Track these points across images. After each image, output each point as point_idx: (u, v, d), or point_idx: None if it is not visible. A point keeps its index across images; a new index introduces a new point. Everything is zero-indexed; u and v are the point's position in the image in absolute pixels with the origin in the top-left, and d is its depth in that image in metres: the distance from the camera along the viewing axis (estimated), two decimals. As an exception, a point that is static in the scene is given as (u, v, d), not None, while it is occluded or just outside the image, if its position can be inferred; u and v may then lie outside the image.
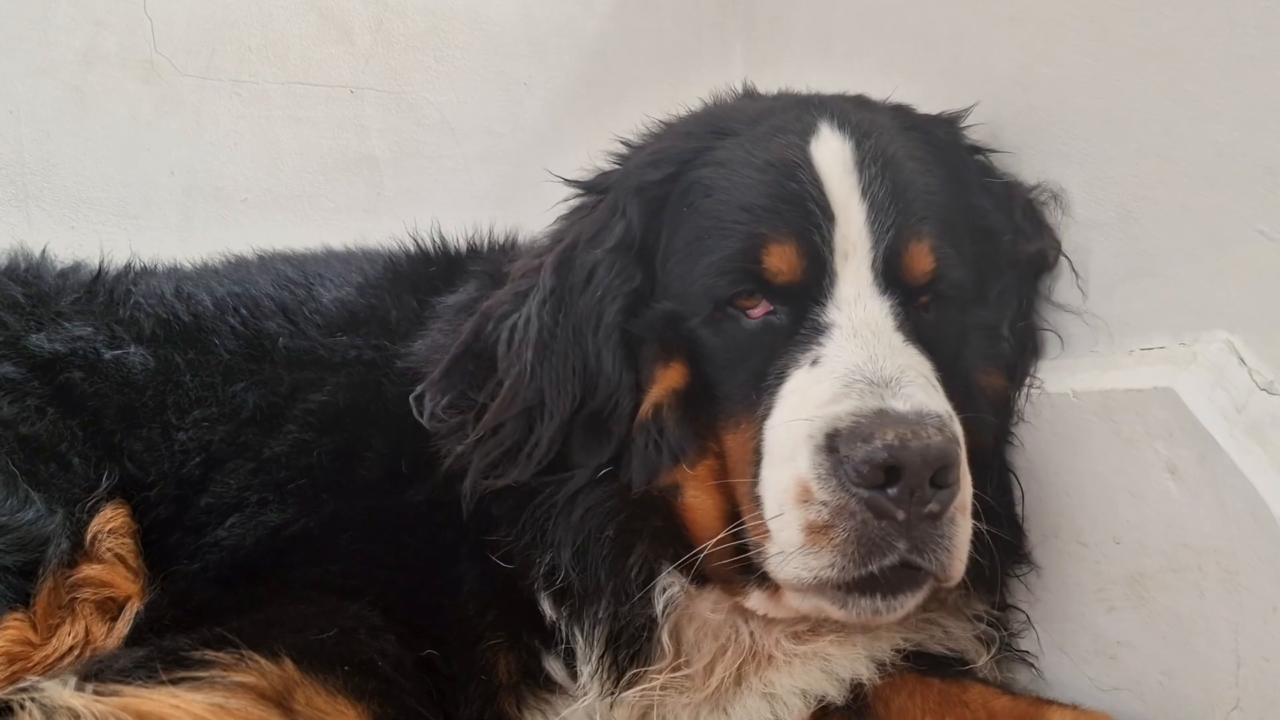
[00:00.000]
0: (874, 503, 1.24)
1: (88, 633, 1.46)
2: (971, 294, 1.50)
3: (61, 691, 1.22)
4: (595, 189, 1.67)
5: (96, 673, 1.27)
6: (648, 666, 1.45)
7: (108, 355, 1.72)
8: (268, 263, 2.07)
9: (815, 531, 1.28)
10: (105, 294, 1.87)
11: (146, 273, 2.04)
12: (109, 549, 1.52)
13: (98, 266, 1.98)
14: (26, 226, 2.54)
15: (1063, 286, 1.52)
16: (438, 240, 2.05)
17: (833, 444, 1.27)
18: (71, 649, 1.44)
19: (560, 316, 1.53)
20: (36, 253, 2.00)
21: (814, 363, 1.36)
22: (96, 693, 1.22)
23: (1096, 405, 1.38)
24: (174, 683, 1.24)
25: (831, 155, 1.46)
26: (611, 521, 1.45)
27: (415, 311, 1.83)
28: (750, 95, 1.75)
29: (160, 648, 1.32)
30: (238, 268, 2.09)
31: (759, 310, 1.43)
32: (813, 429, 1.29)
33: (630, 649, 1.46)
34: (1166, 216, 1.34)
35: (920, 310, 1.45)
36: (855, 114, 1.55)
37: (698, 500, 1.44)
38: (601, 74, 2.84)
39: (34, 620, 1.41)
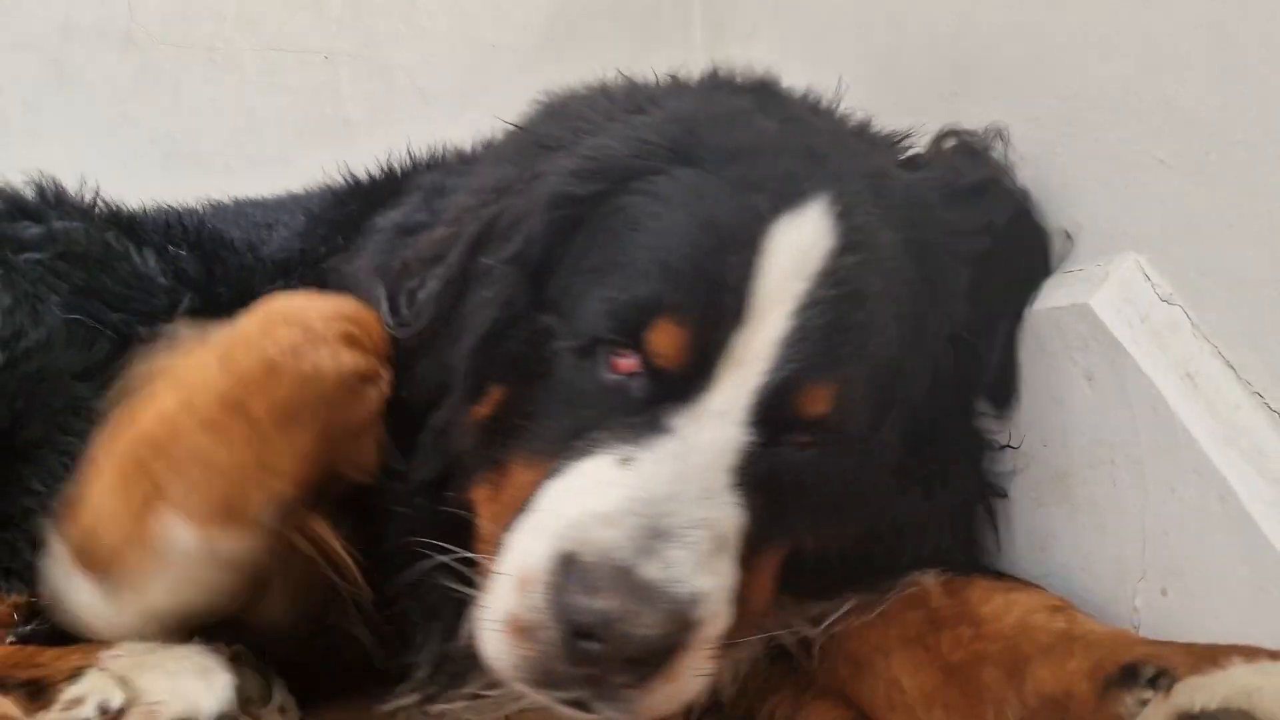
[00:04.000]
0: (568, 647, 1.12)
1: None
2: (880, 446, 1.34)
3: None
4: (526, 152, 1.51)
5: None
6: (463, 685, 1.42)
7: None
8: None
9: (515, 627, 1.17)
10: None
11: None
12: None
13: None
14: (9, 189, 2.64)
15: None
16: (383, 166, 2.04)
17: (568, 564, 1.14)
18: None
19: (448, 310, 1.42)
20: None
21: (624, 461, 1.20)
22: None
23: (1023, 323, 1.52)
24: None
25: (792, 251, 1.24)
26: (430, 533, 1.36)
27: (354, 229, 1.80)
28: (752, 103, 1.46)
29: None
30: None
31: (625, 366, 1.25)
32: (564, 535, 1.17)
33: (453, 666, 1.41)
34: (1083, 151, 1.47)
35: (795, 448, 1.26)
36: (863, 205, 1.30)
37: (486, 529, 1.34)
38: (567, 36, 2.94)
39: None
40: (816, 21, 2.18)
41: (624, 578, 1.11)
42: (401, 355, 1.42)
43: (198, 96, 2.74)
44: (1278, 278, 1.18)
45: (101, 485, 1.27)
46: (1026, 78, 1.59)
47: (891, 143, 1.58)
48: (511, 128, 1.64)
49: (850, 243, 1.26)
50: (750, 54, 1.89)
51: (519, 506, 1.26)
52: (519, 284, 1.35)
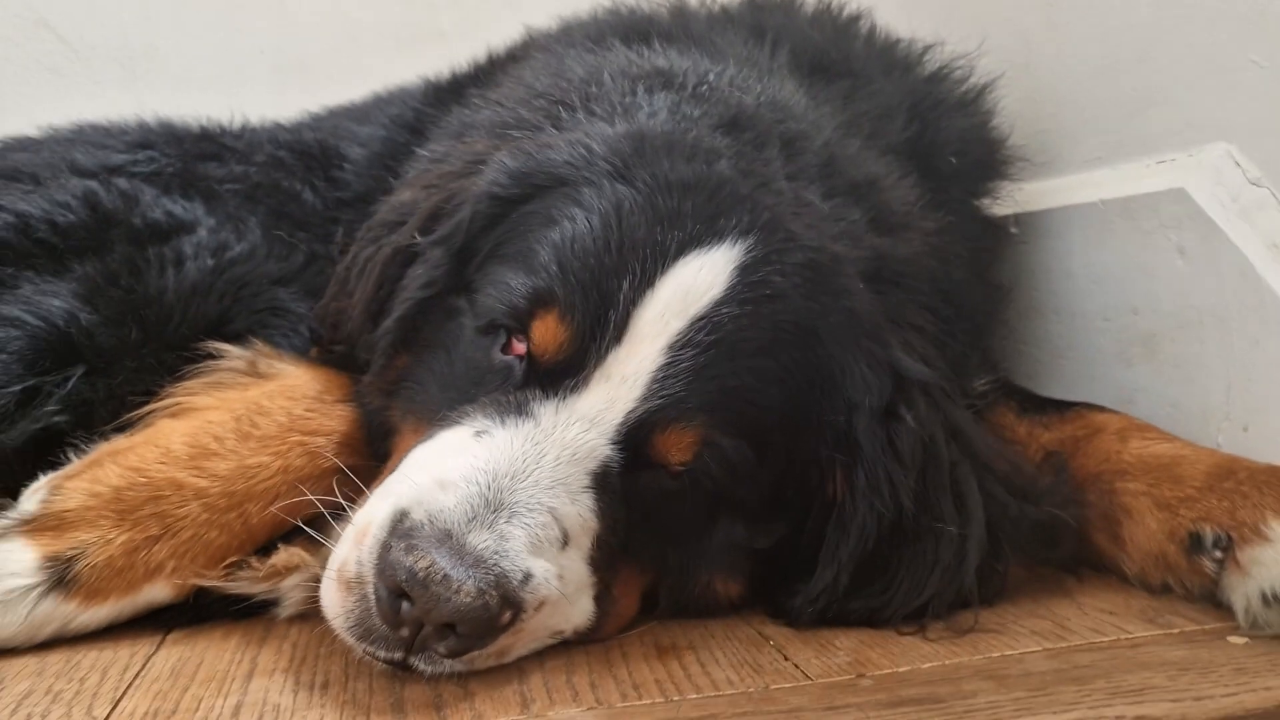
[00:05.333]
0: (382, 604, 1.12)
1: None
2: (747, 499, 1.32)
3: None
4: (497, 131, 1.58)
5: None
6: None
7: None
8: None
9: (344, 578, 1.17)
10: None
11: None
12: None
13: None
14: (135, 105, 2.80)
15: (1086, 114, 1.88)
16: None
17: (399, 522, 1.14)
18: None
19: (392, 279, 1.48)
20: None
21: (479, 433, 1.22)
22: None
23: (1119, 209, 1.75)
24: None
25: (680, 290, 1.24)
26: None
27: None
28: (714, 129, 1.46)
29: None
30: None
31: (515, 350, 1.29)
32: (403, 492, 1.18)
33: None
34: (1176, 53, 1.69)
35: (658, 478, 1.26)
36: (770, 265, 1.28)
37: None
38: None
39: None
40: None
41: (447, 541, 1.10)
42: (345, 317, 1.53)
43: (302, 9, 2.89)
44: (1356, 161, 1.41)
45: (99, 499, 1.33)
46: (1121, -12, 1.80)
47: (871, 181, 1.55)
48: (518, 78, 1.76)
49: (739, 296, 1.25)
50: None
51: (389, 463, 1.32)
52: (443, 264, 1.40)
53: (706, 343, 1.23)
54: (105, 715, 1.11)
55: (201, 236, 1.72)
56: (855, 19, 1.94)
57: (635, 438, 1.22)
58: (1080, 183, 1.88)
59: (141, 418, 1.46)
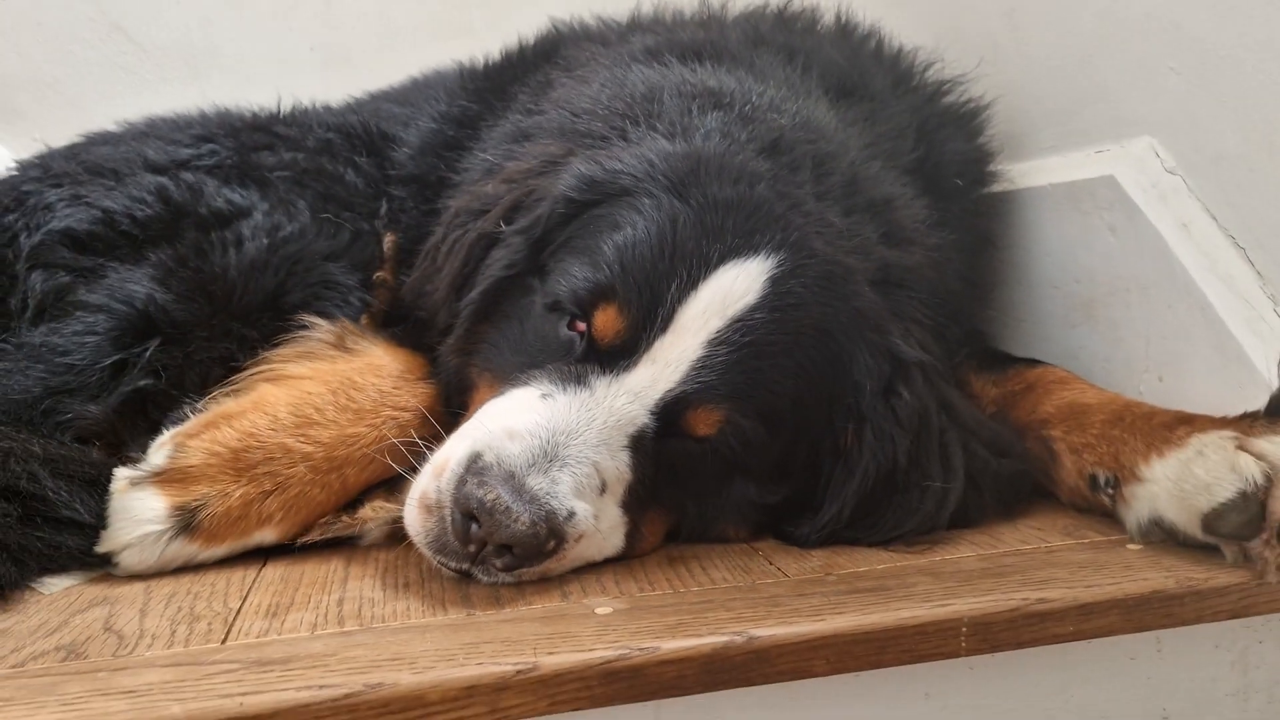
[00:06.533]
0: (455, 525, 1.36)
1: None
2: (758, 467, 1.55)
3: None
4: (571, 138, 1.78)
5: None
6: None
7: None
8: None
9: (425, 503, 1.42)
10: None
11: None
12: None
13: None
14: (200, 99, 3.08)
15: (1043, 107, 2.15)
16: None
17: (474, 462, 1.37)
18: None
19: (475, 259, 1.70)
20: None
21: (544, 396, 1.45)
22: None
23: (1065, 192, 2.04)
24: None
25: (720, 293, 1.46)
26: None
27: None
28: (757, 155, 1.64)
29: None
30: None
31: (576, 328, 1.51)
32: (478, 437, 1.41)
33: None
34: (1113, 57, 1.96)
35: (682, 446, 1.50)
36: (797, 279, 1.50)
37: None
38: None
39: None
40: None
41: (510, 480, 1.34)
42: (429, 288, 1.75)
43: (347, 9, 3.16)
44: (1248, 155, 1.69)
45: (219, 458, 1.54)
46: (1069, 4, 2.07)
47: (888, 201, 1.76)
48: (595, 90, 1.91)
49: (769, 304, 1.47)
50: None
51: (467, 411, 1.55)
52: (522, 251, 1.62)
53: (741, 342, 1.45)
54: (238, 606, 1.40)
55: (257, 220, 1.92)
56: (866, 37, 2.17)
57: (670, 412, 1.46)
58: (1037, 168, 2.16)
59: (238, 380, 1.68)
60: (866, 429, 1.54)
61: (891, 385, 1.55)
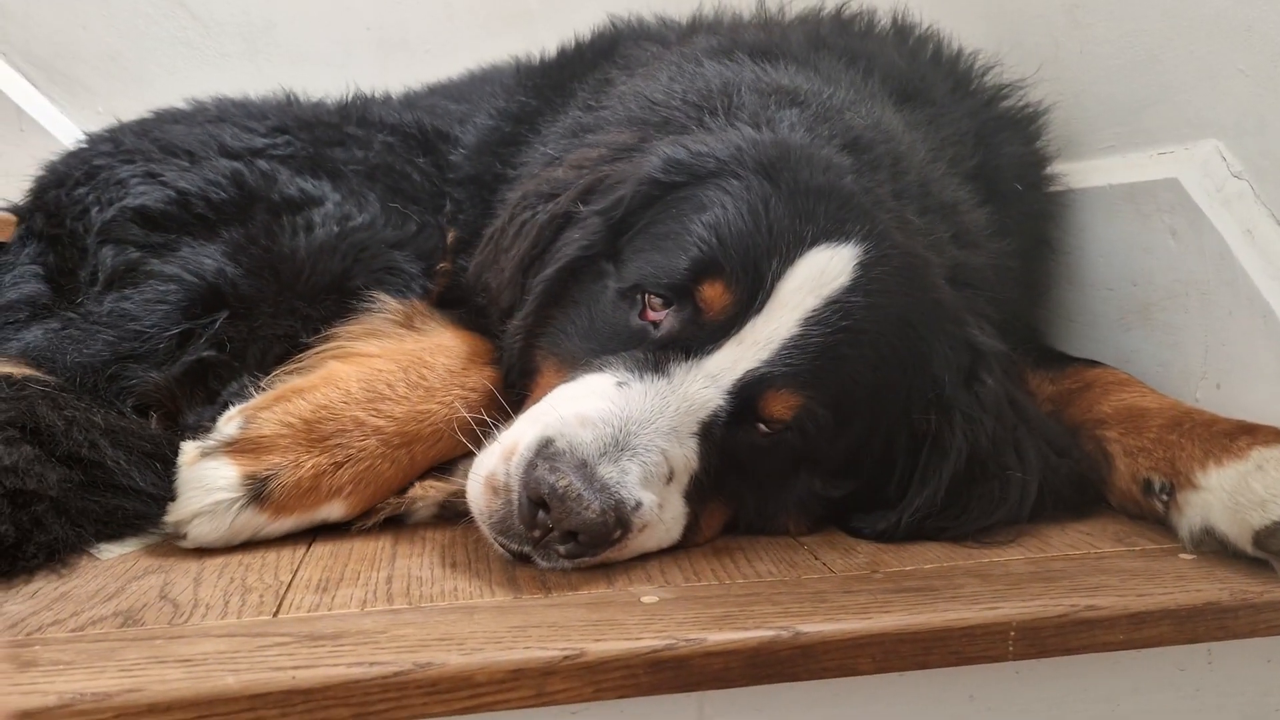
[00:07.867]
0: (523, 509, 1.36)
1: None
2: (828, 458, 1.56)
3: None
4: (651, 122, 1.78)
5: None
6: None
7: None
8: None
9: (492, 484, 1.41)
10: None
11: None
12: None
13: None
14: (257, 76, 3.12)
15: (1104, 106, 2.12)
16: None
17: (545, 446, 1.37)
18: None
19: (547, 240, 1.69)
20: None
21: (620, 384, 1.44)
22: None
23: (1124, 193, 2.01)
24: None
25: (816, 272, 1.46)
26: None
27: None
28: (841, 150, 1.64)
29: None
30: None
31: (653, 315, 1.50)
32: (550, 422, 1.40)
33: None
34: (1180, 58, 1.92)
35: (754, 431, 1.49)
36: (883, 266, 1.50)
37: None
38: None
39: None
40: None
41: (582, 468, 1.34)
42: (491, 272, 1.76)
43: (403, -11, 3.20)
44: (1318, 162, 1.66)
45: (292, 429, 1.55)
46: (1135, 3, 2.04)
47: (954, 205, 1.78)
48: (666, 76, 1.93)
49: (862, 288, 1.47)
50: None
51: (539, 400, 1.53)
52: (600, 232, 1.60)
53: (836, 324, 1.45)
54: (288, 580, 1.43)
55: (329, 209, 1.99)
56: (924, 40, 2.15)
57: (747, 393, 1.45)
58: (1095, 168, 2.13)
59: (305, 358, 1.71)
60: (955, 415, 1.54)
61: (974, 373, 1.56)
